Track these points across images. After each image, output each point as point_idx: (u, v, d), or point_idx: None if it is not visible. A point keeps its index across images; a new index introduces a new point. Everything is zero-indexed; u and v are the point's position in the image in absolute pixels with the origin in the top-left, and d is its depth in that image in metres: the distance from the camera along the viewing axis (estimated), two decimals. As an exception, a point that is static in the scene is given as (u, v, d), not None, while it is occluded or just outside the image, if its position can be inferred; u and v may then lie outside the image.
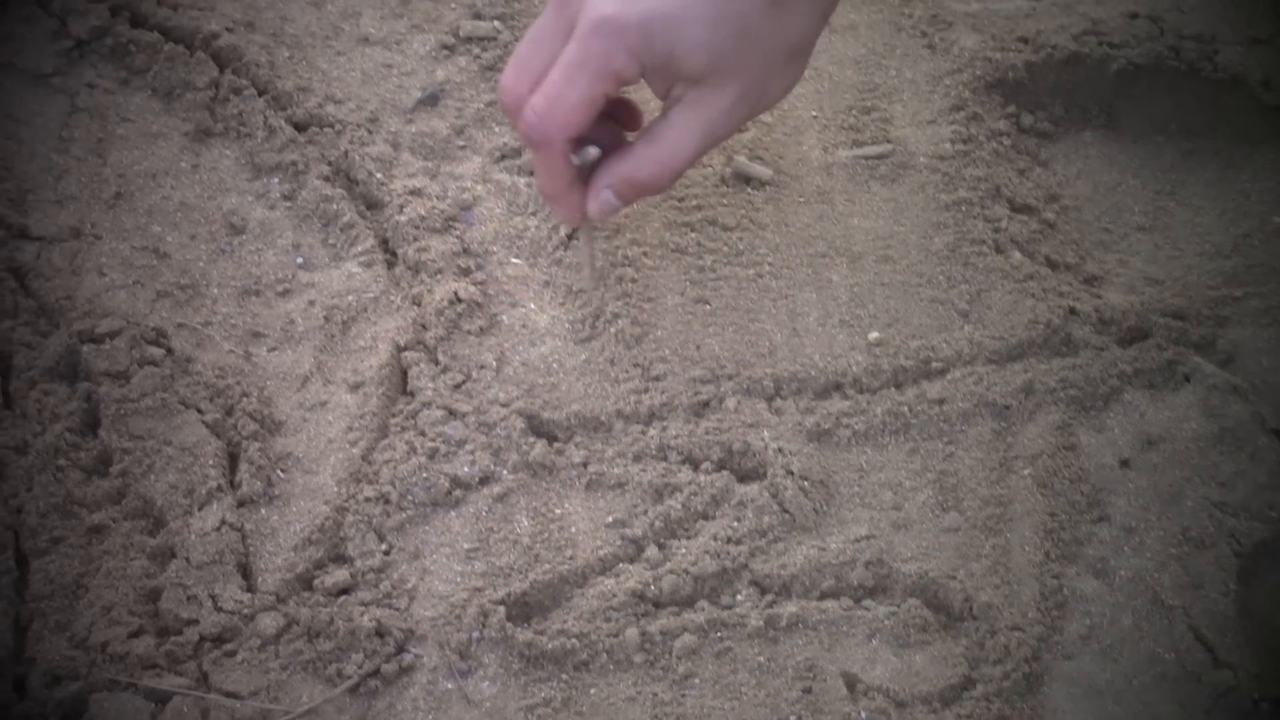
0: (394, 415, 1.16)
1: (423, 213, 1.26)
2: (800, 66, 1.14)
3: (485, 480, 1.13)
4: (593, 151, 1.13)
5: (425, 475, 1.12)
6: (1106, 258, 1.27)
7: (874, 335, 1.20)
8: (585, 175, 1.14)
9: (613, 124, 1.16)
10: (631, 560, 1.10)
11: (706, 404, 1.16)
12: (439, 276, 1.22)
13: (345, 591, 1.08)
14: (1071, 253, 1.26)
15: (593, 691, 1.04)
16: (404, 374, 1.18)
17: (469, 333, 1.20)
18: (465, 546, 1.10)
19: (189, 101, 1.32)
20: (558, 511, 1.12)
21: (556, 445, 1.15)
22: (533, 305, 1.22)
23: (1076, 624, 1.08)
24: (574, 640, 1.06)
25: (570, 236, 1.24)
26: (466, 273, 1.23)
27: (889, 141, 1.31)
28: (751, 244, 1.25)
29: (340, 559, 1.10)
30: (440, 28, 1.38)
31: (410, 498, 1.12)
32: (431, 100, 1.34)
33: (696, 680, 1.05)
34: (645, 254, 1.23)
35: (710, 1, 1.08)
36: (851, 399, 1.17)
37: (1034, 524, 1.11)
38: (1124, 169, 1.33)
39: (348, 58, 1.36)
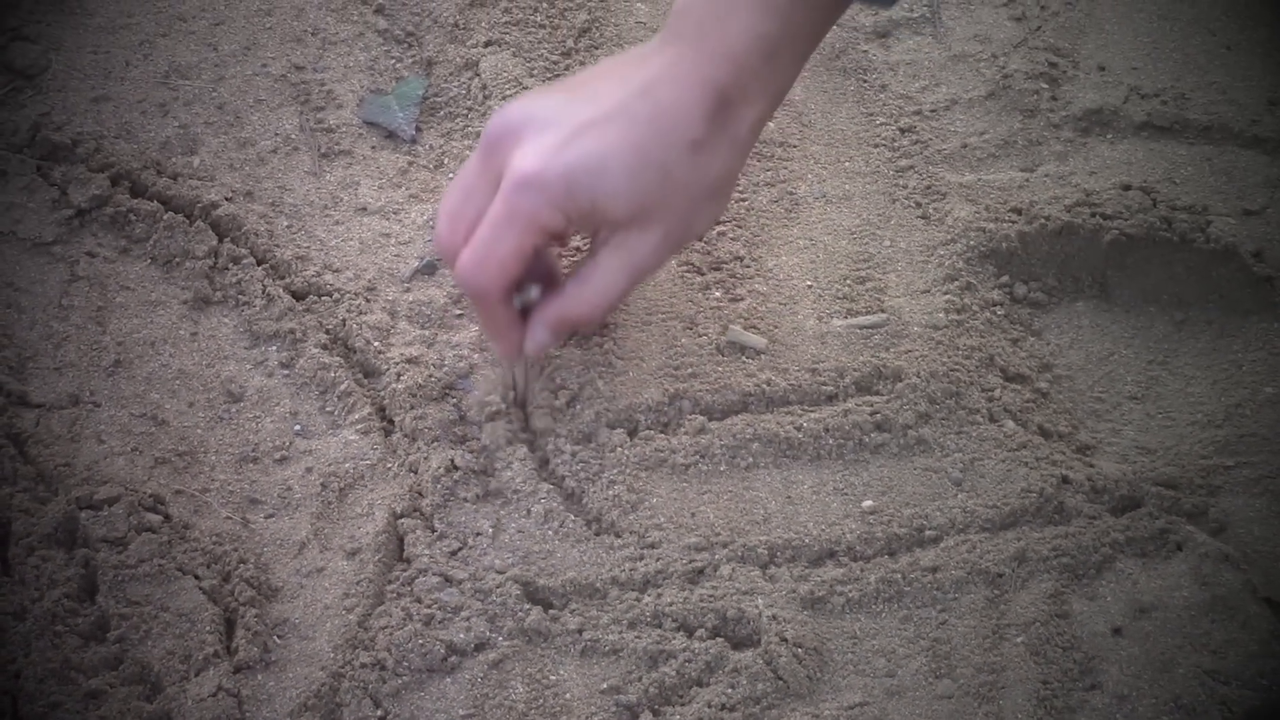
0: (390, 582, 1.23)
1: (419, 381, 1.33)
2: (724, 200, 1.23)
3: (481, 647, 1.19)
4: (534, 292, 1.24)
5: (421, 642, 1.18)
6: (1099, 427, 1.34)
7: (868, 503, 1.27)
8: (523, 310, 1.25)
9: (546, 255, 1.26)
10: (626, 727, 1.17)
11: (701, 571, 1.23)
12: (435, 444, 1.30)
13: (341, 757, 1.15)
14: (1064, 422, 1.33)
15: None
16: (400, 541, 1.25)
17: (465, 500, 1.27)
18: (460, 713, 1.16)
19: (188, 270, 1.39)
20: (552, 678, 1.19)
21: (552, 612, 1.21)
22: (528, 472, 1.30)
23: (1070, 792, 1.14)
24: (569, 806, 1.12)
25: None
26: (463, 440, 1.31)
27: (883, 311, 1.38)
28: (747, 412, 1.33)
29: (336, 725, 1.17)
30: (437, 197, 1.46)
31: (406, 664, 1.18)
32: (429, 269, 1.42)
33: (691, 847, 1.12)
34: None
35: (630, 151, 1.17)
36: (845, 566, 1.24)
37: (1026, 692, 1.17)
38: (1116, 339, 1.39)
39: (346, 227, 1.44)
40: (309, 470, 1.29)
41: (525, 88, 1.51)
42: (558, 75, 1.52)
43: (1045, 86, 1.54)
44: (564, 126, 1.18)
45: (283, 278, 1.39)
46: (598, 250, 1.23)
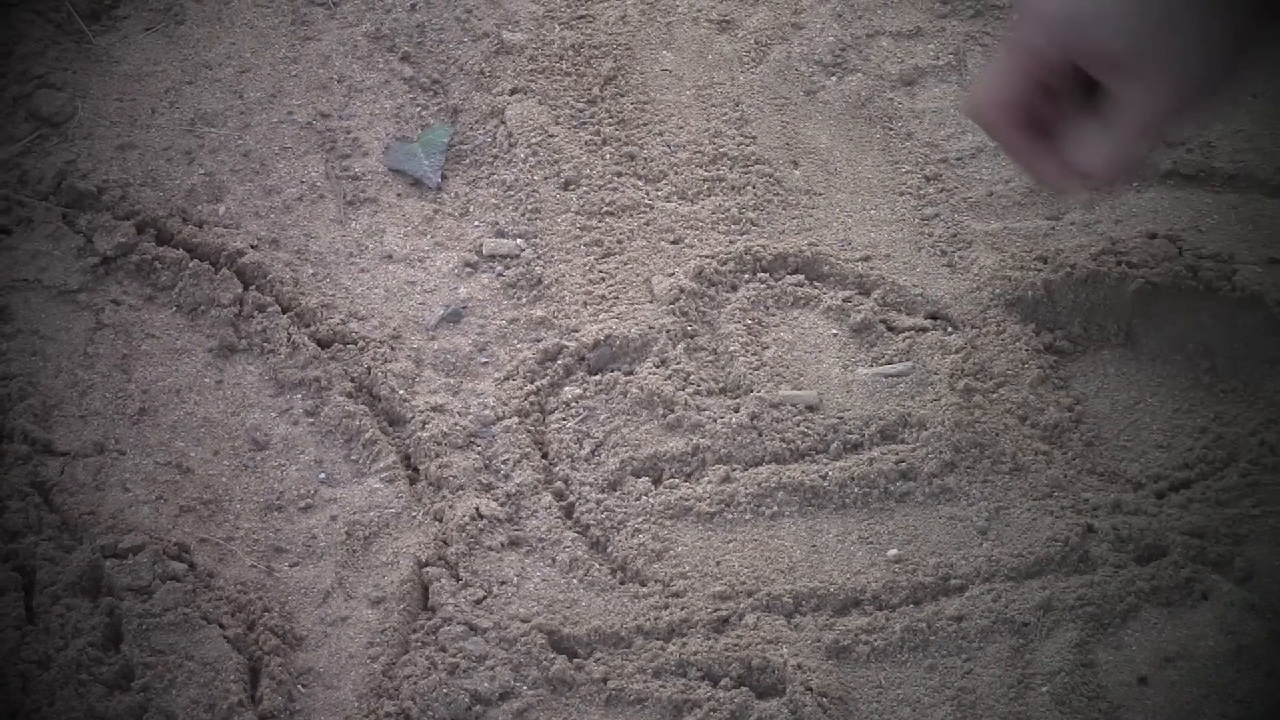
0: (415, 631, 1.24)
1: (445, 429, 1.35)
2: (1241, 50, 1.19)
3: (505, 696, 1.21)
4: None
5: (446, 691, 1.20)
6: (1125, 475, 1.35)
7: (893, 552, 1.29)
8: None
9: None
10: (651, 776, 1.18)
11: (726, 620, 1.25)
12: (461, 492, 1.32)
13: (365, 806, 1.17)
14: (1089, 470, 1.35)
15: None
16: (425, 589, 1.27)
17: (490, 548, 1.29)
18: (485, 762, 1.19)
19: (213, 318, 1.41)
20: (577, 727, 1.21)
21: (576, 661, 1.23)
22: (553, 520, 1.31)
23: (1096, 842, 1.16)
24: None
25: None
26: (488, 488, 1.33)
27: (908, 359, 1.40)
28: (771, 461, 1.35)
29: (361, 773, 1.18)
30: (463, 245, 1.48)
31: (430, 713, 1.19)
32: (454, 317, 1.43)
33: None
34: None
35: None
36: (870, 615, 1.25)
37: (1052, 741, 1.19)
38: (1142, 387, 1.41)
39: (371, 275, 1.46)
40: (334, 518, 1.31)
41: (550, 135, 1.53)
42: (583, 123, 1.54)
43: (1071, 134, 1.56)
44: None
45: (308, 325, 1.41)
46: (1115, 102, 1.22)
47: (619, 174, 1.52)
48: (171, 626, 1.22)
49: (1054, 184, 1.29)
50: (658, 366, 1.38)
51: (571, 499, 1.32)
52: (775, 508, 1.31)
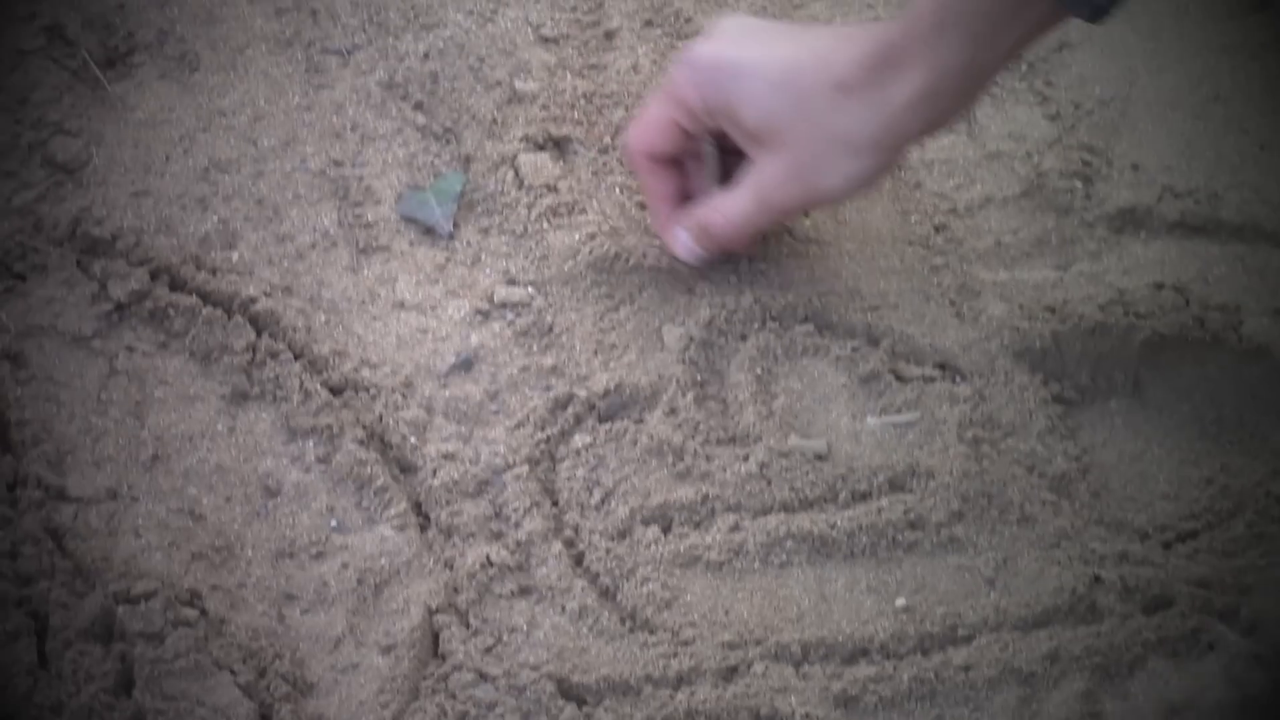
0: (425, 678, 1.25)
1: (455, 476, 1.36)
2: (862, 166, 1.31)
3: (515, 743, 1.22)
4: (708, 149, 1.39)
5: (456, 738, 1.21)
6: (1131, 526, 1.36)
7: (901, 601, 1.30)
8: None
9: None
10: (659, 825, 1.19)
11: (734, 669, 1.25)
12: (471, 540, 1.33)
13: None
14: (1097, 521, 1.35)
15: None
16: (435, 637, 1.28)
17: (500, 596, 1.30)
18: (494, 810, 1.20)
19: (226, 365, 1.42)
20: (586, 775, 1.22)
21: (586, 709, 1.24)
22: (563, 568, 1.32)
23: None
24: None
25: None
26: (498, 536, 1.33)
27: (917, 409, 1.41)
28: (780, 509, 1.36)
29: (371, 821, 1.19)
30: (475, 293, 1.49)
31: (440, 760, 1.21)
32: (466, 365, 1.45)
33: None
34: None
35: (780, 68, 1.28)
36: (878, 665, 1.26)
37: (1059, 791, 1.20)
38: (1149, 438, 1.42)
39: (383, 322, 1.47)
40: (345, 565, 1.32)
41: (562, 184, 1.54)
42: (595, 172, 1.55)
43: (1079, 185, 1.57)
44: (744, 33, 1.32)
45: (320, 373, 1.42)
46: (741, 168, 1.34)
47: (630, 223, 1.52)
48: (183, 673, 1.22)
49: (668, 236, 1.40)
50: (667, 415, 1.39)
51: (581, 547, 1.33)
52: (784, 556, 1.32)
